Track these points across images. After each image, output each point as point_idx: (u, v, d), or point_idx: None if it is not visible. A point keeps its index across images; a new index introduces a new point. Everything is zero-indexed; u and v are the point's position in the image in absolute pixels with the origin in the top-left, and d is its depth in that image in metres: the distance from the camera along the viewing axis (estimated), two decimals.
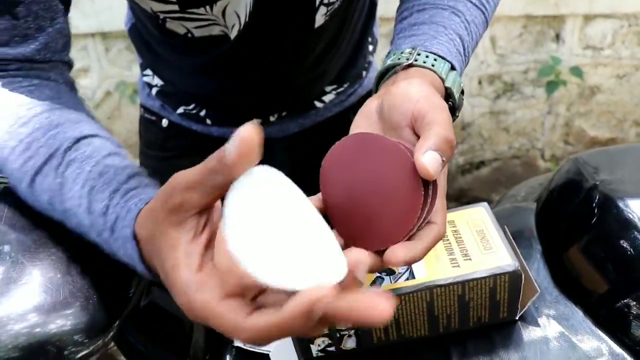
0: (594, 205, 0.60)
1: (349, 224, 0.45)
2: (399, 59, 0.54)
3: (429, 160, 0.42)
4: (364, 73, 0.90)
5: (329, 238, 0.38)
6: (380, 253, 0.43)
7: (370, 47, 0.90)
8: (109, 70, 1.89)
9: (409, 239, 0.44)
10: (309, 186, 0.45)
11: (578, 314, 0.58)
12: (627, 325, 0.55)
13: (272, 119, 0.84)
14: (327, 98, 0.87)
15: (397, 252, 0.42)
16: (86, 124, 0.52)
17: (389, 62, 0.54)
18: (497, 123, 2.11)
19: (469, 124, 2.10)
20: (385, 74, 0.55)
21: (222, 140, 0.36)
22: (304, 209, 0.38)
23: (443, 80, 0.52)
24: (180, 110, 0.86)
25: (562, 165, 0.70)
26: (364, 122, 0.51)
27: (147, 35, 0.78)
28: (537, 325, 0.57)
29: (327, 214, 0.47)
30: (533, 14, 1.89)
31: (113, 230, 0.45)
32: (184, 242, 0.38)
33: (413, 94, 0.47)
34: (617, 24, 1.93)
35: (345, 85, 0.87)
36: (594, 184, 0.61)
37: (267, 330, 0.35)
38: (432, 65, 0.52)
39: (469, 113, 2.07)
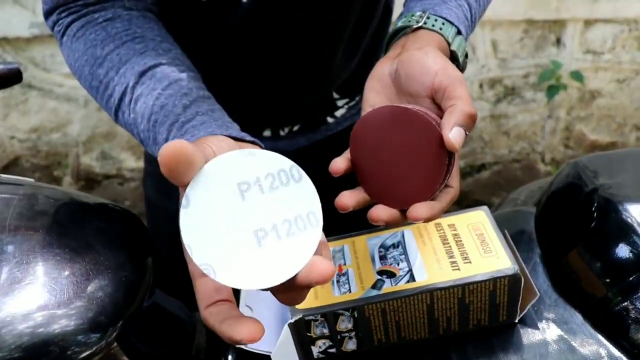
0: (593, 209, 0.61)
1: (376, 183, 0.50)
2: (409, 21, 0.57)
3: (455, 135, 0.46)
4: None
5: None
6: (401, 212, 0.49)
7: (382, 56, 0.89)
8: None
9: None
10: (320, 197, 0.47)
11: (577, 317, 0.58)
12: (626, 329, 0.55)
13: (282, 133, 0.83)
14: (339, 113, 0.86)
15: (419, 210, 0.47)
16: (150, 54, 0.57)
17: (399, 23, 0.58)
18: (497, 127, 2.11)
19: None
20: (395, 35, 0.59)
21: None
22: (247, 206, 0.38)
23: (449, 44, 0.56)
24: None
25: (562, 169, 0.71)
26: (377, 84, 0.55)
27: None
28: (537, 328, 0.57)
29: (355, 172, 0.52)
30: (534, 18, 1.89)
31: None
32: None
33: (431, 65, 0.51)
34: (617, 28, 1.94)
35: (357, 99, 0.87)
36: (593, 188, 0.62)
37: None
38: (440, 29, 0.56)
39: None
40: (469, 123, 0.48)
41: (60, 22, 0.61)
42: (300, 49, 0.74)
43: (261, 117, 0.82)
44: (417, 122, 0.48)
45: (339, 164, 0.51)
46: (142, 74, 0.56)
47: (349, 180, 0.53)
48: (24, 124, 1.92)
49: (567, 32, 1.94)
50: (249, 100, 0.78)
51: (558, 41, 1.97)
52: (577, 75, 1.92)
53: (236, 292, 0.60)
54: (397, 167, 0.49)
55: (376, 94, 0.55)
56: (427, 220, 0.48)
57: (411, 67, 0.52)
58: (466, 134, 0.48)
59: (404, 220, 0.49)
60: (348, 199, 0.50)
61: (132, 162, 2.02)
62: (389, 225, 0.51)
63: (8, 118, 1.90)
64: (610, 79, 2.04)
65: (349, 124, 0.88)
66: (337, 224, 0.64)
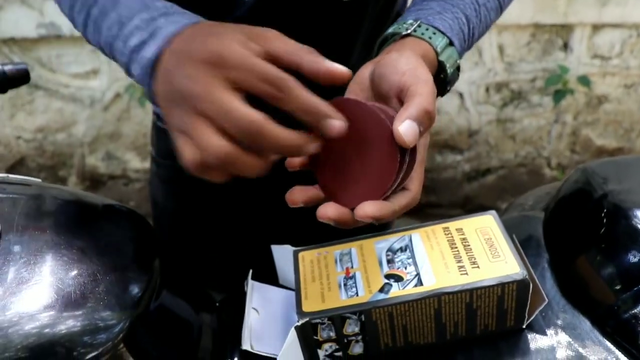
0: (602, 215, 0.60)
1: (330, 181, 0.50)
2: (399, 28, 0.57)
3: (405, 128, 0.45)
4: None
5: None
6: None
7: None
8: (119, 73, 1.90)
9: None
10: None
11: (585, 323, 0.58)
12: (635, 336, 0.55)
13: None
14: None
15: (366, 208, 0.46)
16: None
17: (390, 30, 0.58)
18: (503, 131, 2.11)
19: (475, 132, 2.10)
20: (385, 41, 0.59)
21: None
22: None
23: (437, 54, 0.55)
24: None
25: (570, 174, 0.70)
26: (356, 87, 0.55)
27: None
28: (544, 334, 0.57)
29: (312, 168, 0.51)
30: (541, 22, 1.89)
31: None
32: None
33: (401, 65, 0.51)
34: (625, 33, 1.93)
35: None
36: (602, 194, 0.61)
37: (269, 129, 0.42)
38: (430, 38, 0.56)
39: (476, 120, 2.07)
40: (424, 119, 0.47)
41: None
42: (310, 38, 0.73)
43: (274, 111, 0.82)
44: (370, 117, 0.47)
45: (294, 159, 0.51)
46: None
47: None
48: (30, 124, 1.92)
49: (575, 36, 1.93)
50: (257, 99, 0.78)
51: (565, 46, 1.96)
52: (584, 80, 1.92)
53: (242, 295, 0.59)
54: (350, 164, 0.49)
55: (355, 96, 0.55)
56: (376, 220, 0.47)
57: (384, 68, 0.52)
58: (421, 131, 0.46)
59: (353, 220, 0.48)
60: (298, 194, 0.50)
61: (137, 163, 2.03)
62: (338, 224, 0.49)
63: (15, 118, 1.91)
64: (618, 84, 2.03)
65: None
66: (337, 231, 0.64)
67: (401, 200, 0.49)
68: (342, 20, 0.72)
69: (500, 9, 0.67)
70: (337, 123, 0.44)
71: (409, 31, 0.57)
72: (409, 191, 0.49)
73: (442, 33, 0.57)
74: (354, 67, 0.78)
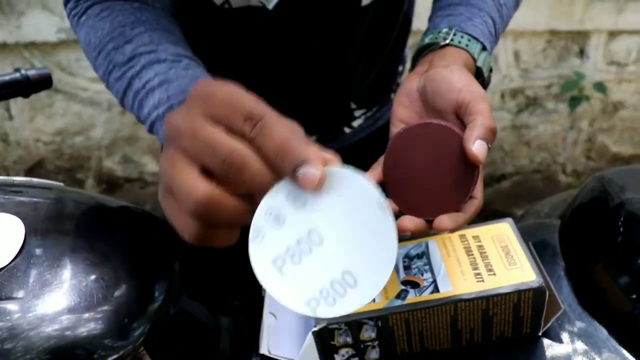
0: (619, 223, 0.60)
1: (405, 196, 0.53)
2: (436, 38, 0.59)
3: (478, 148, 0.48)
4: (392, 95, 0.90)
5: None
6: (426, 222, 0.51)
7: (400, 68, 0.90)
8: None
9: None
10: None
11: (602, 332, 0.58)
12: None
13: None
14: (356, 123, 0.86)
15: (445, 221, 0.49)
16: (182, 45, 0.58)
17: (427, 40, 0.60)
18: (518, 137, 2.10)
19: None
20: (422, 51, 0.60)
21: None
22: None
23: (475, 60, 0.58)
24: None
25: (586, 182, 0.70)
26: (406, 99, 0.57)
27: None
28: (560, 342, 0.57)
29: (386, 184, 0.53)
30: (557, 29, 1.89)
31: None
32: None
33: (455, 83, 0.53)
34: None
35: (374, 109, 0.87)
36: (619, 202, 0.61)
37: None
38: (467, 46, 0.58)
39: None
40: (490, 136, 0.50)
41: (81, 5, 0.62)
42: (323, 57, 0.74)
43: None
44: (446, 137, 0.51)
45: (374, 176, 0.54)
46: (180, 56, 0.56)
47: None
48: (49, 127, 1.94)
49: (591, 43, 1.92)
50: (268, 95, 0.79)
51: (581, 52, 1.95)
52: (600, 87, 1.91)
53: (260, 299, 0.60)
54: (426, 180, 0.52)
55: (404, 108, 0.57)
56: (452, 230, 0.50)
57: (437, 84, 0.54)
58: (488, 147, 0.49)
59: (429, 230, 0.51)
60: (409, 223, 0.51)
61: (154, 166, 2.04)
62: (414, 234, 0.52)
63: (34, 121, 1.93)
64: (634, 91, 2.02)
65: (366, 134, 0.88)
66: None
67: (471, 209, 0.51)
68: (355, 24, 0.73)
69: (517, 4, 0.70)
70: (312, 171, 0.36)
71: (447, 41, 0.58)
72: (476, 199, 0.52)
73: (476, 39, 0.59)
74: (362, 74, 0.80)
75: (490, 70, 0.61)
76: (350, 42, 0.74)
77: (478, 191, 0.52)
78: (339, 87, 0.80)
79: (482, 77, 0.59)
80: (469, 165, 0.50)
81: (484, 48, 0.60)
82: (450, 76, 0.53)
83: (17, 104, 1.89)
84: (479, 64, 0.58)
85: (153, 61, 0.55)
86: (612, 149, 2.14)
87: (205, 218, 0.37)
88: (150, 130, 0.56)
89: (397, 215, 0.51)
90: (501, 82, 1.99)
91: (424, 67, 0.58)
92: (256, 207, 0.38)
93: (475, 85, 0.53)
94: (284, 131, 0.37)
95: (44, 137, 1.96)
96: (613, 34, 1.91)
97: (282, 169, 0.36)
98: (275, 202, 0.38)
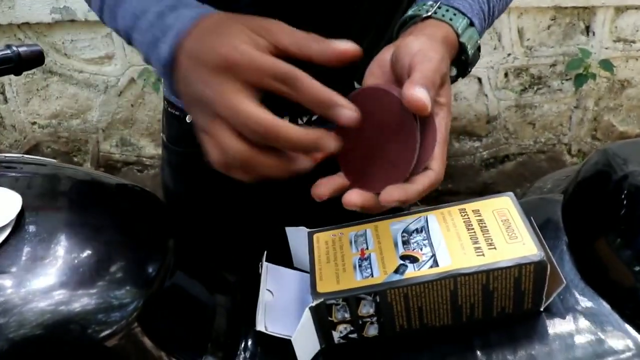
0: (623, 196, 0.59)
1: (354, 168, 0.51)
2: (419, 10, 0.57)
3: (413, 93, 0.46)
4: None
5: None
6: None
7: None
8: (133, 58, 1.90)
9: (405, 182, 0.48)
10: None
11: (605, 306, 0.57)
12: None
13: (300, 122, 0.82)
14: None
15: (392, 193, 0.47)
16: None
17: (410, 12, 0.58)
18: (523, 117, 2.08)
19: (494, 118, 2.08)
20: (405, 23, 0.58)
21: None
22: None
23: (458, 35, 0.55)
24: None
25: (590, 156, 0.69)
26: (377, 70, 0.55)
27: None
28: (562, 317, 0.56)
29: (338, 158, 0.51)
30: (562, 5, 1.86)
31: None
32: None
33: (414, 47, 0.51)
34: None
35: None
36: (623, 175, 0.60)
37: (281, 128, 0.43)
38: (450, 20, 0.56)
39: (495, 106, 2.05)
40: (429, 86, 0.47)
41: None
42: (322, 33, 0.73)
43: (279, 104, 0.81)
44: (385, 98, 0.48)
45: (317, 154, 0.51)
46: None
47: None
48: (45, 110, 1.94)
49: (597, 19, 1.90)
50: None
51: (587, 29, 1.93)
52: (606, 65, 1.88)
53: (257, 276, 0.59)
54: (372, 149, 0.49)
55: (374, 77, 0.55)
56: (402, 203, 0.48)
57: (399, 51, 0.52)
58: (429, 96, 0.47)
59: (378, 204, 0.48)
60: (324, 187, 0.50)
61: (152, 149, 2.04)
62: (365, 211, 0.49)
63: (29, 104, 1.92)
64: None
65: None
66: (351, 213, 0.63)
67: (424, 181, 0.49)
68: (345, 4, 0.71)
69: None
70: (347, 112, 0.44)
71: (429, 13, 0.56)
72: (432, 171, 0.49)
73: (463, 14, 0.57)
74: (367, 53, 0.78)
75: (478, 49, 0.59)
76: (352, 20, 0.73)
77: (436, 162, 0.49)
78: (343, 68, 0.79)
79: (465, 54, 0.57)
80: (413, 126, 0.47)
81: (471, 24, 0.57)
82: (413, 42, 0.52)
83: (11, 87, 1.89)
84: (463, 39, 0.56)
85: None
86: (618, 128, 2.12)
87: (264, 140, 0.44)
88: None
89: (346, 190, 0.49)
90: (505, 60, 1.96)
91: (400, 40, 0.56)
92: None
93: (432, 51, 0.50)
94: (313, 84, 0.44)
95: (39, 120, 1.96)
96: (620, 10, 1.88)
97: (321, 113, 0.45)
98: None
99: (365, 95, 0.50)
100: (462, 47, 0.56)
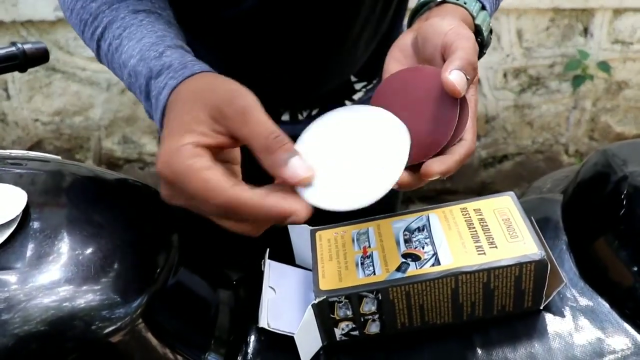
0: (622, 197, 0.59)
1: None
2: None
3: (454, 77, 0.47)
4: None
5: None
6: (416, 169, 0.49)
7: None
8: None
9: (441, 154, 0.49)
10: None
11: (604, 306, 0.57)
12: None
13: (300, 117, 0.83)
14: (357, 96, 0.85)
15: (433, 165, 0.48)
16: (145, 3, 0.58)
17: None
18: (521, 117, 2.09)
19: (492, 118, 2.08)
20: (419, 9, 0.59)
21: None
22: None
23: (474, 18, 0.57)
24: None
25: (590, 156, 0.69)
26: (399, 54, 0.56)
27: None
28: (562, 315, 0.57)
29: None
30: (561, 7, 1.86)
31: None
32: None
33: (443, 27, 0.52)
34: None
35: (375, 82, 0.86)
36: (623, 176, 0.61)
37: (241, 205, 0.42)
38: (465, 3, 0.57)
39: (493, 106, 2.05)
40: (469, 69, 0.49)
41: None
42: (324, 30, 0.73)
43: (280, 100, 0.81)
44: (425, 79, 0.51)
45: None
46: (136, 12, 0.57)
47: None
48: (47, 107, 1.93)
49: (595, 21, 1.90)
50: (268, 83, 0.78)
51: (585, 30, 1.93)
52: (604, 66, 1.89)
53: (259, 273, 0.60)
54: (411, 123, 0.50)
55: (397, 62, 0.56)
56: (442, 175, 0.48)
57: (426, 31, 0.54)
58: (468, 80, 0.48)
59: (419, 181, 0.49)
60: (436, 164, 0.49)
61: (153, 147, 2.04)
62: (404, 187, 0.50)
63: (32, 101, 1.92)
64: (639, 70, 2.00)
65: None
66: (354, 211, 0.63)
67: (460, 150, 0.49)
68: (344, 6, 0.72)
69: None
70: (302, 215, 0.43)
71: None
72: (466, 141, 0.50)
73: None
74: (363, 47, 0.79)
75: (490, 32, 0.60)
76: (354, 17, 0.73)
77: (468, 133, 0.51)
78: (342, 63, 0.79)
79: (481, 36, 0.58)
80: (450, 102, 0.49)
81: (483, 7, 0.58)
82: (440, 22, 0.53)
83: (14, 84, 1.88)
84: (478, 22, 0.57)
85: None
86: (615, 129, 2.12)
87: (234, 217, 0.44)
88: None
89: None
90: (504, 61, 1.97)
91: (420, 24, 0.57)
92: None
93: (465, 29, 0.52)
94: (257, 207, 0.43)
95: (42, 117, 1.95)
96: (618, 12, 1.89)
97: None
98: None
99: (404, 76, 0.52)
100: (477, 30, 0.57)
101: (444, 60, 0.51)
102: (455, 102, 0.49)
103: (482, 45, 0.58)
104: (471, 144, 0.50)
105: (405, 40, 0.56)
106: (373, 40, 0.80)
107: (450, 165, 0.48)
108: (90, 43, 0.60)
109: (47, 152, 1.99)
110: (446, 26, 0.52)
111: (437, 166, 0.48)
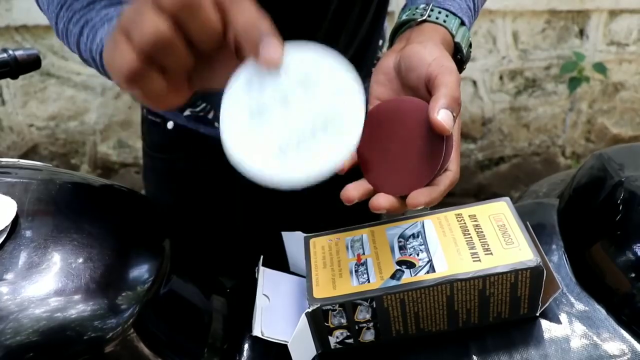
0: (619, 202, 0.59)
1: (377, 173, 0.53)
2: (413, 14, 0.59)
3: (442, 117, 0.48)
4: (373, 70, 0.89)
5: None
6: (402, 198, 0.51)
7: (380, 42, 0.89)
8: None
9: (427, 185, 0.51)
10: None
11: (600, 312, 0.57)
12: None
13: None
14: None
15: (419, 197, 0.49)
16: None
17: (404, 16, 0.60)
18: (517, 119, 2.09)
19: (489, 120, 2.08)
20: (400, 27, 0.60)
21: None
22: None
23: (453, 36, 0.58)
24: (187, 112, 0.83)
25: (585, 161, 0.69)
26: (383, 78, 0.57)
27: None
28: (558, 322, 0.56)
29: (361, 165, 0.54)
30: (557, 9, 1.86)
31: None
32: None
33: (426, 57, 0.53)
34: None
35: None
36: (619, 181, 0.60)
37: None
38: (444, 22, 0.58)
39: (489, 108, 2.05)
40: (454, 106, 0.49)
41: None
42: (298, 34, 0.73)
43: None
44: (413, 111, 0.51)
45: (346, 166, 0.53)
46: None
47: (355, 174, 0.54)
48: (42, 112, 1.93)
49: (591, 23, 1.90)
50: None
51: (581, 32, 1.93)
52: (600, 68, 1.89)
53: (253, 281, 0.59)
54: (397, 156, 0.52)
55: (381, 86, 0.57)
56: (427, 204, 0.50)
57: (410, 60, 0.54)
58: (454, 116, 0.49)
59: (404, 207, 0.51)
60: (353, 191, 0.51)
61: None
62: (390, 212, 0.52)
63: (27, 106, 1.91)
64: (635, 72, 2.00)
65: None
66: (347, 218, 0.63)
67: (446, 181, 0.51)
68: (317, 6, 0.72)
69: None
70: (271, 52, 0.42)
71: (424, 17, 0.58)
72: (450, 171, 0.52)
73: (454, 14, 0.59)
74: (331, 42, 0.78)
75: (470, 46, 0.61)
76: (322, 17, 0.74)
77: (453, 163, 0.52)
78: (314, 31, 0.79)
79: (460, 53, 0.59)
80: (437, 136, 0.49)
81: (462, 23, 0.59)
82: (423, 51, 0.53)
83: (9, 89, 1.88)
84: (458, 39, 0.58)
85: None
86: (612, 130, 2.12)
87: (152, 54, 0.39)
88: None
89: (371, 195, 0.51)
90: (499, 63, 1.97)
91: (401, 44, 0.57)
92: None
93: (446, 60, 0.52)
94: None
95: (37, 122, 1.95)
96: (614, 14, 1.89)
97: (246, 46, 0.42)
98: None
99: (390, 107, 0.53)
100: (457, 47, 0.58)
101: (428, 91, 0.52)
102: (442, 137, 0.50)
103: (462, 61, 0.59)
104: (455, 174, 0.52)
105: (387, 62, 0.57)
106: (351, 45, 0.80)
107: (435, 197, 0.50)
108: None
109: (42, 156, 1.99)
110: (428, 56, 0.53)
111: (423, 198, 0.49)
